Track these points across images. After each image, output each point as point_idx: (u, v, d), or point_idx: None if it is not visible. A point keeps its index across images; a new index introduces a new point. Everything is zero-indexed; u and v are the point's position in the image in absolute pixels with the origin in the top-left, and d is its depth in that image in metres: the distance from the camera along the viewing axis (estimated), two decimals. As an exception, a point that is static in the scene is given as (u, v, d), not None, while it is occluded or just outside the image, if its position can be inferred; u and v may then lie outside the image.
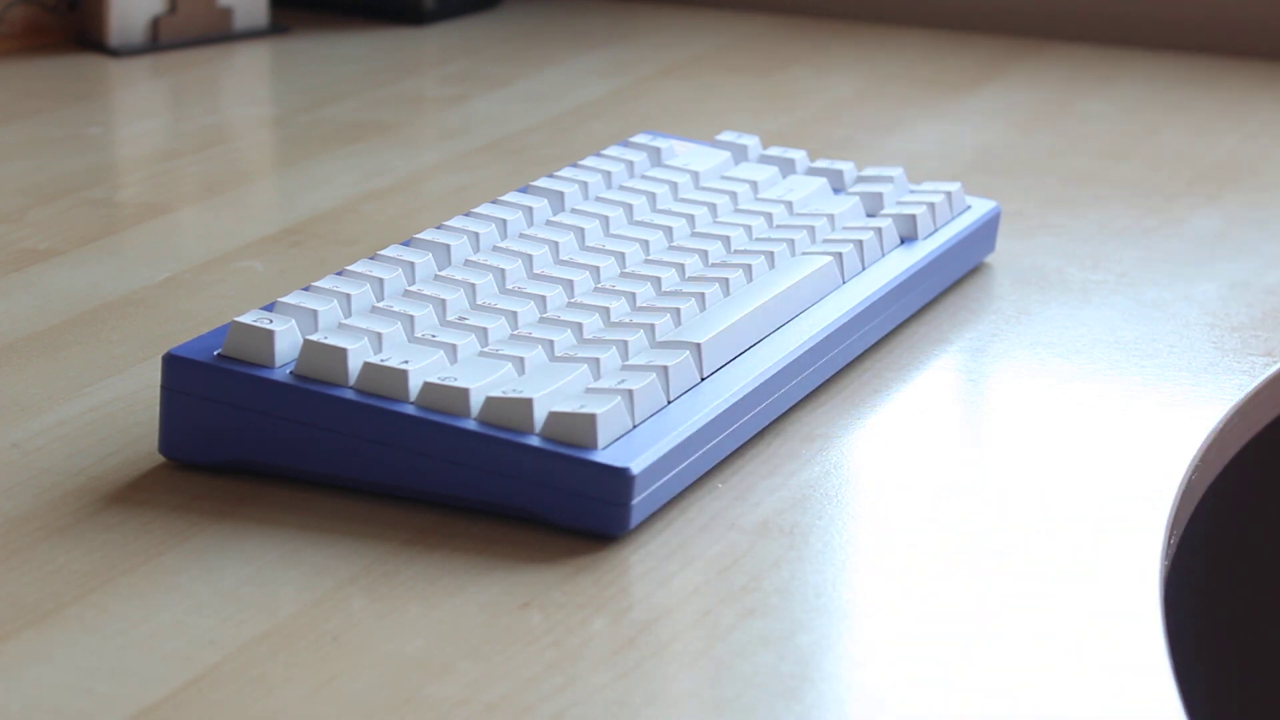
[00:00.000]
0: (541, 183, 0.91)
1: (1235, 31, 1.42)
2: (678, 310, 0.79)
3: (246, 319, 0.74)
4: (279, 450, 0.72)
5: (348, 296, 0.77)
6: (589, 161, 0.95)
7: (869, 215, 0.92)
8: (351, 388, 0.72)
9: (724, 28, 1.49)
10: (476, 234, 0.84)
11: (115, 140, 1.21)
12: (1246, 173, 1.15)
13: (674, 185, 0.93)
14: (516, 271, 0.81)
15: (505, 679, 0.61)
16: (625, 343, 0.76)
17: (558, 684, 0.61)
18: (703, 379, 0.76)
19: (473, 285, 0.79)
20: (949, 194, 0.95)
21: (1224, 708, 1.15)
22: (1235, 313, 0.92)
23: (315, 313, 0.75)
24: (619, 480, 0.69)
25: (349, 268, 0.79)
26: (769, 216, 0.89)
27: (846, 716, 0.61)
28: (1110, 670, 0.63)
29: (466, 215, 0.86)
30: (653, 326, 0.77)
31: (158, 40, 1.36)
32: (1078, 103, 1.30)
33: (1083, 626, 0.65)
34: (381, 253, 0.81)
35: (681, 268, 0.83)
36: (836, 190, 0.96)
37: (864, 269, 0.88)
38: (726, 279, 0.82)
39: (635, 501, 0.70)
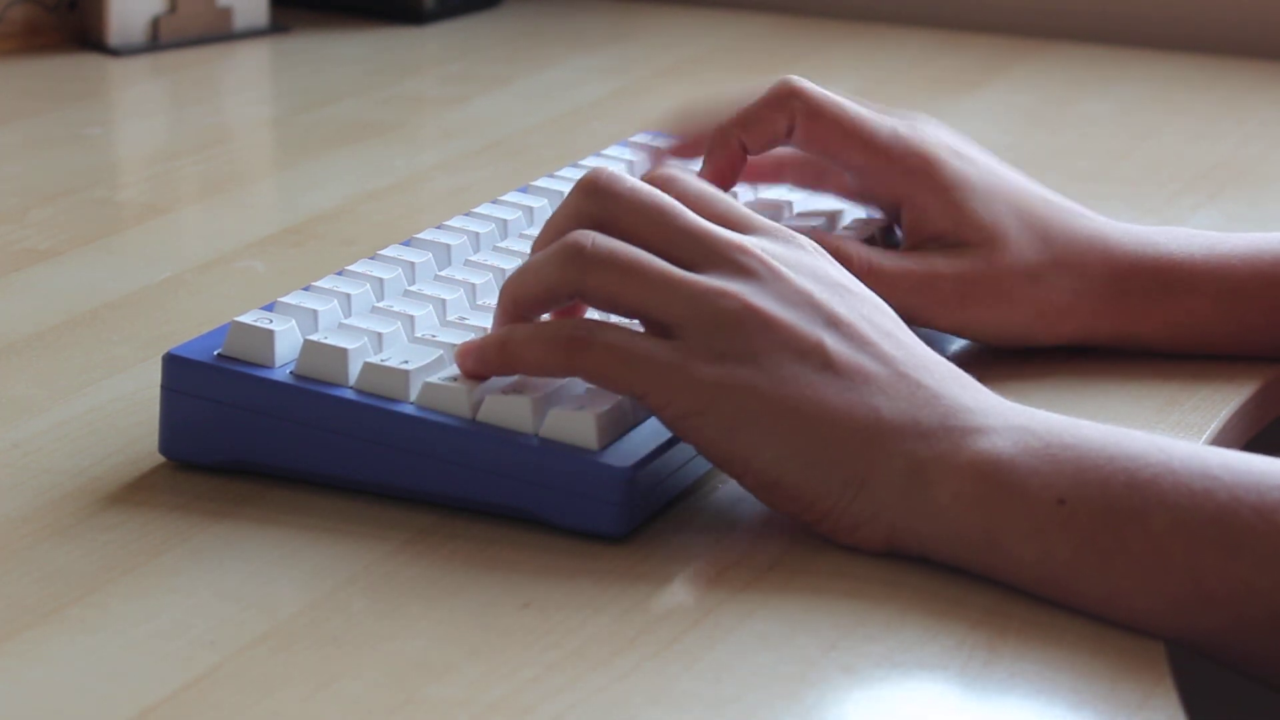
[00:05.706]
0: (541, 183, 0.91)
1: (1235, 31, 1.42)
2: (678, 310, 0.79)
3: (247, 319, 0.74)
4: (279, 450, 0.72)
5: (348, 296, 0.77)
6: (589, 161, 0.95)
7: (869, 215, 0.92)
8: (352, 388, 0.72)
9: (724, 28, 1.48)
10: (477, 234, 0.84)
11: (115, 140, 1.21)
12: (1246, 173, 1.15)
13: (674, 185, 0.93)
14: (517, 272, 0.81)
15: (505, 679, 0.61)
16: (625, 343, 0.76)
17: (558, 685, 0.61)
18: (703, 379, 0.76)
19: (473, 285, 0.79)
20: (949, 194, 0.95)
21: (1224, 709, 1.15)
22: (1235, 313, 0.92)
23: (315, 313, 0.75)
24: (619, 480, 0.69)
25: (349, 268, 0.79)
26: (769, 217, 0.89)
27: (846, 717, 0.61)
28: (1113, 671, 0.63)
29: (466, 215, 0.86)
30: (653, 327, 0.77)
31: (158, 40, 1.36)
32: (1078, 103, 1.30)
33: (1083, 629, 0.65)
34: (381, 253, 0.81)
35: (682, 268, 0.83)
36: (837, 190, 0.96)
37: (864, 269, 0.87)
38: (727, 279, 0.82)
39: (635, 501, 0.69)
